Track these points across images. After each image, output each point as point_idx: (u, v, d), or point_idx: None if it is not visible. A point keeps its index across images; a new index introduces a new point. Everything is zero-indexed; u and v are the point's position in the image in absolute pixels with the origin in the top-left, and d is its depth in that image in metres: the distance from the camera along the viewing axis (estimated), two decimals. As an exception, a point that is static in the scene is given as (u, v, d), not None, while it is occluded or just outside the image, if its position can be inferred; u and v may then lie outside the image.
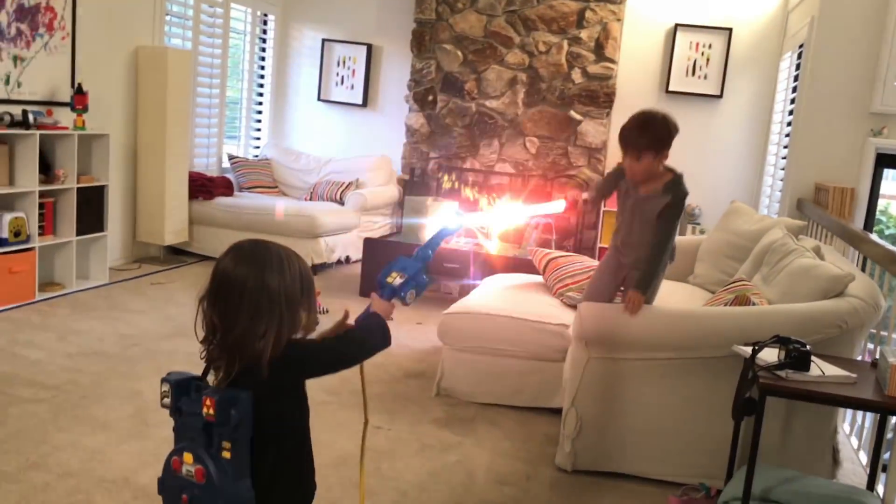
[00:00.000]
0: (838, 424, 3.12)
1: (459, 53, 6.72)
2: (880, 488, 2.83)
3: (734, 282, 3.38)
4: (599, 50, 6.44)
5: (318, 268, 5.96)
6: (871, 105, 4.79)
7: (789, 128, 5.32)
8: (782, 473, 2.67)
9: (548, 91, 6.59)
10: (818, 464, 2.91)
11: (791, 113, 5.38)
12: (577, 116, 6.54)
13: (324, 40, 7.18)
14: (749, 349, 2.64)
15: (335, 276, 6.02)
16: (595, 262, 4.10)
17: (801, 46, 5.29)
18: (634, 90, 6.49)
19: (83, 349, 3.94)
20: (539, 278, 4.29)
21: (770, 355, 2.55)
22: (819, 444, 2.90)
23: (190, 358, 3.94)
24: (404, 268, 1.90)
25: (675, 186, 3.00)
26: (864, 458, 3.15)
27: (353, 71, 7.15)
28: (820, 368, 2.42)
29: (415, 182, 6.87)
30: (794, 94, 5.35)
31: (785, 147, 5.39)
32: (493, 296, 3.89)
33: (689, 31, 6.35)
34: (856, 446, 3.30)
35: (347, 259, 6.33)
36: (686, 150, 6.33)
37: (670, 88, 6.39)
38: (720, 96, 6.29)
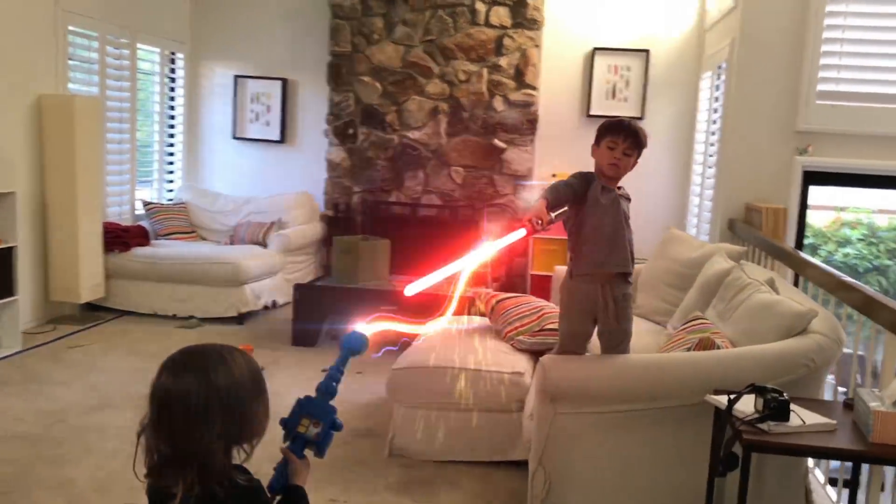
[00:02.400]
0: (808, 464, 3.08)
1: (378, 85, 6.56)
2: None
3: (691, 320, 3.31)
4: (520, 77, 6.39)
5: (246, 317, 5.68)
6: (796, 124, 4.85)
7: (713, 147, 5.36)
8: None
9: (470, 120, 6.49)
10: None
11: (714, 133, 5.42)
12: (501, 144, 6.47)
13: (236, 76, 6.91)
14: (722, 399, 2.56)
15: (263, 324, 5.74)
16: (542, 301, 3.99)
17: (720, 66, 5.35)
18: (557, 116, 6.46)
19: (0, 433, 3.59)
20: (481, 320, 4.15)
21: (745, 404, 2.47)
22: (792, 487, 2.84)
23: (121, 433, 3.69)
24: (314, 411, 1.69)
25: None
26: (832, 493, 3.11)
27: (269, 107, 6.90)
28: (800, 417, 2.35)
29: (339, 218, 6.66)
30: (716, 114, 5.40)
31: (711, 168, 5.42)
32: (440, 345, 3.73)
33: (607, 55, 6.36)
34: (822, 480, 3.27)
35: (274, 304, 6.06)
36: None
37: (592, 112, 6.38)
38: (641, 118, 6.32)
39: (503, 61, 6.39)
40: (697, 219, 5.75)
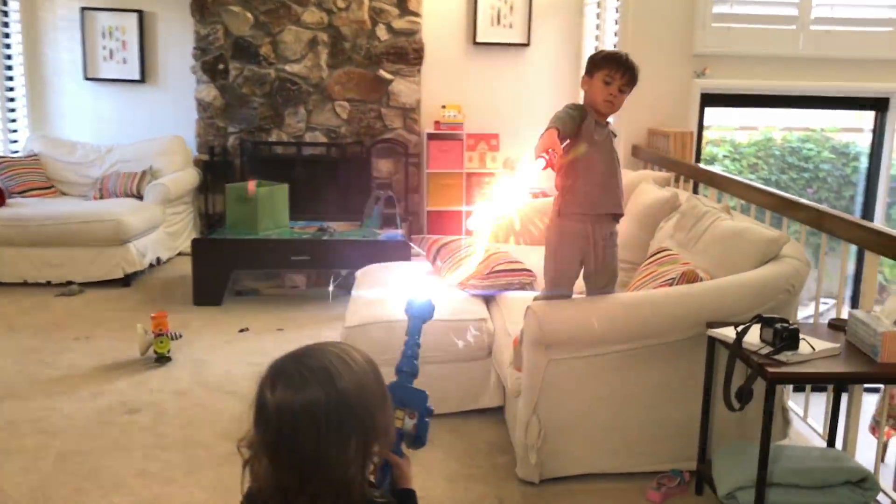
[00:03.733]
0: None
1: (249, 15, 6.05)
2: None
3: (656, 252, 3.30)
4: (403, 4, 6.09)
5: (132, 278, 5.18)
6: (693, 47, 4.93)
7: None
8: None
9: (353, 51, 6.15)
10: (774, 427, 2.94)
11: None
12: (388, 76, 6.19)
13: (83, 9, 6.12)
14: (726, 332, 2.57)
15: (154, 284, 5.26)
16: (490, 243, 3.86)
17: (612, -9, 5.32)
18: (443, 44, 6.24)
19: None
20: (418, 264, 4.00)
21: (749, 336, 2.49)
22: (775, 412, 2.93)
23: (40, 426, 3.24)
24: (407, 399, 1.52)
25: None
26: (797, 408, 3.24)
27: (124, 43, 6.20)
28: (809, 344, 2.40)
29: (216, 163, 6.17)
30: (613, 39, 5.39)
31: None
32: (388, 295, 3.54)
33: (490, -21, 6.16)
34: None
35: (158, 261, 5.57)
36: (502, 102, 6.27)
37: (478, 40, 6.21)
38: (527, 44, 6.23)
39: (384, -13, 6.06)
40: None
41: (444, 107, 6.17)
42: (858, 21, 4.88)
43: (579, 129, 2.69)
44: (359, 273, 4.03)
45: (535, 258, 3.70)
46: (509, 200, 2.02)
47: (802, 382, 2.48)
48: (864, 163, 7.37)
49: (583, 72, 2.84)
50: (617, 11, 5.26)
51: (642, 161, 4.98)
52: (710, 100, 5.03)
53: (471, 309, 3.41)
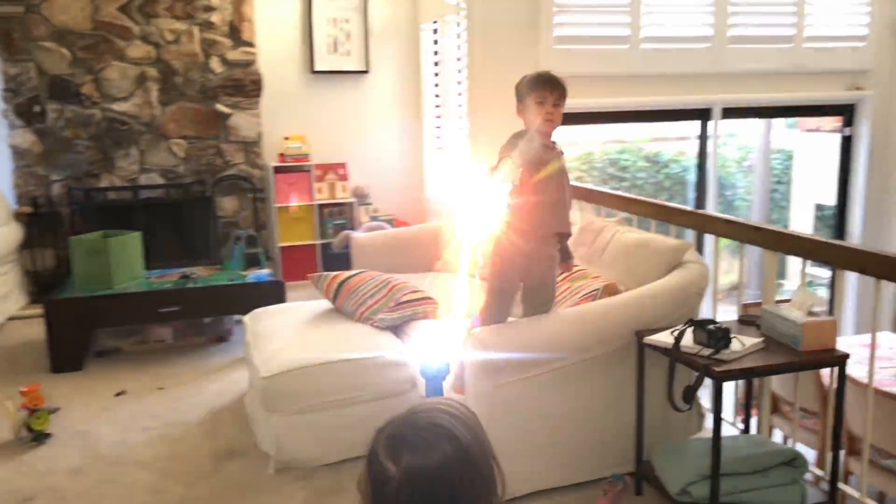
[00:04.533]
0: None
1: (65, 51, 5.60)
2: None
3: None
4: (235, 34, 5.90)
5: (-35, 350, 4.60)
6: (539, 69, 5.14)
7: (461, 97, 5.48)
8: (695, 445, 2.84)
9: (186, 85, 5.86)
10: (691, 422, 3.15)
11: (460, 82, 5.55)
12: (225, 110, 5.95)
13: None
14: (660, 338, 2.72)
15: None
16: (384, 274, 3.81)
17: (459, 13, 5.46)
18: (281, 75, 6.10)
19: None
20: (312, 305, 3.88)
21: (683, 340, 2.66)
22: (692, 406, 3.12)
23: None
24: None
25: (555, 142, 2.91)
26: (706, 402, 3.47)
27: (-81, 87, 5.51)
28: (740, 342, 2.59)
29: (41, 214, 5.64)
30: (460, 63, 5.52)
31: (461, 119, 5.56)
32: (301, 339, 3.41)
33: (325, 6, 6.11)
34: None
35: (-12, 328, 4.99)
36: (346, 130, 6.23)
37: (316, 68, 6.13)
38: (367, 71, 6.24)
39: (215, 17, 5.82)
40: (445, 173, 5.87)
41: (287, 138, 6.04)
42: (681, 39, 5.34)
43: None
44: (247, 318, 3.84)
45: (423, 284, 3.74)
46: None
47: (745, 377, 2.68)
48: (674, 169, 8.06)
49: (515, 99, 2.90)
50: (458, 37, 5.40)
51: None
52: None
53: (386, 343, 3.36)
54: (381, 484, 1.16)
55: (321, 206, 6.06)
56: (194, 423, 3.63)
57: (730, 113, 5.51)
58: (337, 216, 6.14)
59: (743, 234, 3.11)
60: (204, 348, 4.63)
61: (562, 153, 2.91)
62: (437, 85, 6.00)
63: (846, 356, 2.56)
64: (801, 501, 2.59)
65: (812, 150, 7.48)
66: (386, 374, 3.23)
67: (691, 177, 7.30)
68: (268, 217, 6.08)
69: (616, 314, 2.89)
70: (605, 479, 2.93)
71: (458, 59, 5.49)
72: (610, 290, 3.00)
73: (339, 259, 5.97)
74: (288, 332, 3.50)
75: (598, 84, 5.25)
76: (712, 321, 2.63)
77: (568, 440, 2.90)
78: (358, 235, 4.59)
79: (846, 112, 5.76)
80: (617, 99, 5.34)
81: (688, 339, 2.64)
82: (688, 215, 3.48)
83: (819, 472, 2.96)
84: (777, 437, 3.79)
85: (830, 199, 6.36)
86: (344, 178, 6.14)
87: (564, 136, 6.85)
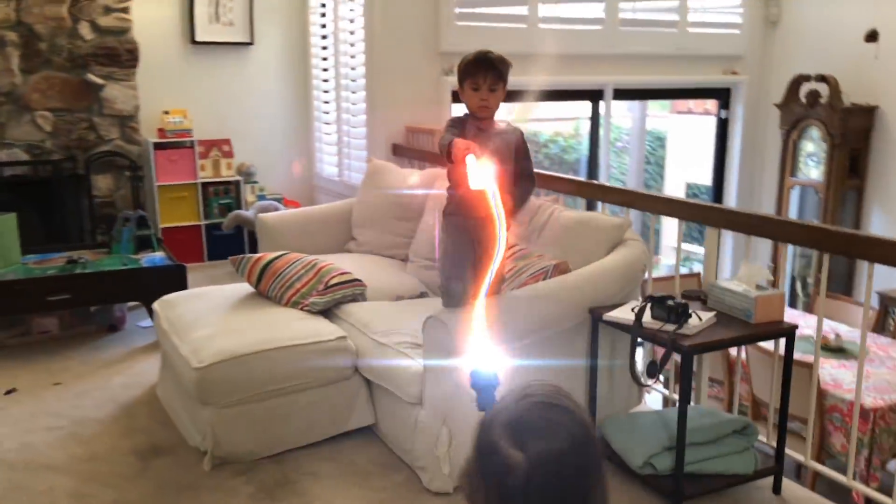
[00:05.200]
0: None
1: None
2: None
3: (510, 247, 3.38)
4: (108, -2, 5.43)
5: None
6: (440, 45, 5.09)
7: (354, 72, 5.31)
8: (647, 418, 2.91)
9: (52, 52, 5.33)
10: (632, 396, 3.22)
11: (353, 56, 5.38)
12: (98, 80, 5.47)
13: None
14: (619, 315, 2.76)
15: None
16: (308, 256, 3.64)
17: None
18: (159, 44, 5.67)
19: None
20: (230, 288, 3.66)
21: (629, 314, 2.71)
22: (628, 377, 3.19)
23: None
24: None
25: (507, 120, 2.87)
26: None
27: None
28: (697, 316, 2.66)
29: None
30: (353, 37, 5.36)
31: (355, 93, 5.40)
32: (229, 326, 3.19)
33: (204, -27, 5.75)
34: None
35: None
36: (230, 105, 5.92)
37: (197, 39, 5.76)
38: (252, 43, 5.93)
39: (84, -21, 5.34)
40: (337, 147, 5.70)
41: (166, 112, 5.65)
42: (577, 20, 5.43)
43: (462, 131, 2.71)
44: (158, 306, 3.57)
45: (348, 266, 3.62)
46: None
47: (711, 350, 2.75)
48: (552, 149, 8.24)
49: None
50: (352, 11, 5.24)
51: (407, 159, 5.03)
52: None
53: (321, 328, 3.21)
54: (504, 475, 1.07)
55: (205, 185, 5.73)
56: (105, 420, 3.33)
57: (621, 94, 5.68)
58: (222, 195, 5.82)
59: (682, 211, 3.20)
60: (95, 339, 4.27)
61: (505, 133, 2.83)
62: (325, 59, 5.80)
63: (795, 327, 2.69)
64: (755, 467, 2.71)
65: (684, 132, 7.87)
66: (326, 361, 3.09)
67: (569, 157, 7.48)
68: (147, 197, 5.67)
69: (571, 292, 2.90)
70: (558, 456, 2.94)
71: (352, 33, 5.32)
72: (561, 269, 3.01)
73: (226, 240, 5.71)
74: (213, 319, 3.27)
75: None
76: (670, 297, 2.68)
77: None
78: (266, 216, 4.37)
79: (723, 95, 6.09)
80: (515, 78, 5.35)
81: (645, 316, 2.68)
82: (619, 193, 3.55)
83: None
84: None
85: (701, 179, 6.71)
86: (229, 154, 5.82)
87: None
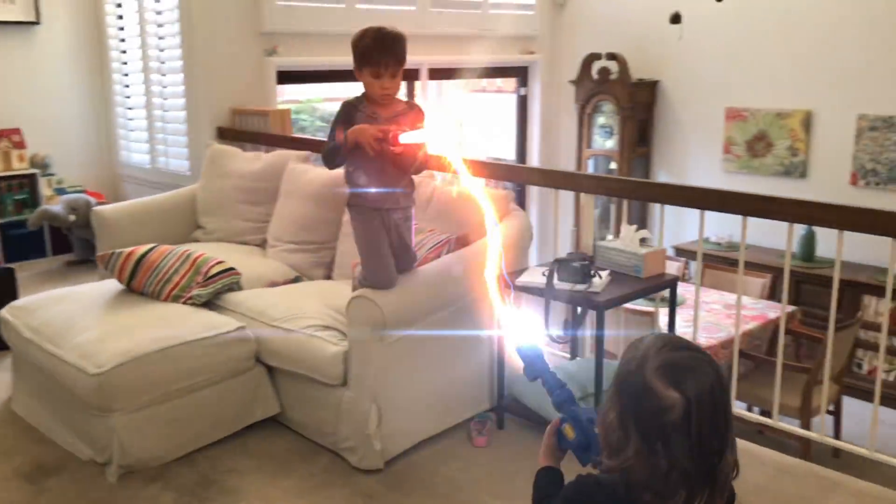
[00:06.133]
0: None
1: None
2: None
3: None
4: None
5: None
6: (262, 25, 4.95)
7: (168, 53, 5.01)
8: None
9: None
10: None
11: (162, 38, 5.07)
12: None
13: None
14: (529, 279, 2.95)
15: None
16: (178, 247, 3.44)
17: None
18: (-75, 22, 4.98)
19: None
20: (89, 287, 3.37)
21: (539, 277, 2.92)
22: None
23: None
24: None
25: (407, 99, 2.87)
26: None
27: None
28: (599, 276, 2.92)
29: None
30: (161, 17, 5.05)
31: (167, 75, 5.09)
32: (115, 327, 2.96)
33: (-28, -58, 5.11)
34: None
35: None
36: (17, 91, 5.35)
37: (-27, 16, 5.12)
38: (38, 22, 5.37)
39: None
40: (148, 133, 5.35)
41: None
42: (393, 0, 5.52)
43: (351, 123, 2.69)
44: (8, 314, 3.22)
45: (221, 254, 3.50)
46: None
47: (619, 304, 2.98)
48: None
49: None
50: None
51: (234, 142, 4.85)
52: (287, 77, 5.15)
53: (217, 321, 3.08)
54: (661, 414, 1.19)
55: (-4, 180, 5.14)
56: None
57: (435, 74, 5.86)
58: (17, 190, 5.26)
59: (554, 181, 3.45)
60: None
61: (400, 115, 2.76)
62: (123, 40, 5.41)
63: (677, 278, 3.04)
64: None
65: (482, 110, 8.24)
66: (229, 353, 2.98)
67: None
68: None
69: (479, 262, 3.02)
70: (471, 420, 3.09)
71: (159, 13, 5.01)
72: (462, 241, 3.13)
73: (29, 239, 5.19)
74: (91, 322, 3.01)
75: (317, 42, 5.21)
76: (575, 259, 2.90)
77: (440, 389, 3.00)
78: (103, 208, 4.04)
79: (521, 74, 6.49)
80: (334, 58, 5.33)
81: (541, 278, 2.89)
82: (493, 167, 3.73)
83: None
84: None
85: (501, 153, 7.10)
86: (20, 145, 5.26)
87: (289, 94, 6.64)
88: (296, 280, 3.67)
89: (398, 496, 2.67)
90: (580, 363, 3.24)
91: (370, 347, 2.73)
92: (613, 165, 6.14)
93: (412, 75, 5.80)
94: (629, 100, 5.98)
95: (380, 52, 2.68)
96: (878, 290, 4.86)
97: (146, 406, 2.78)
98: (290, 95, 7.48)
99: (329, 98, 8.05)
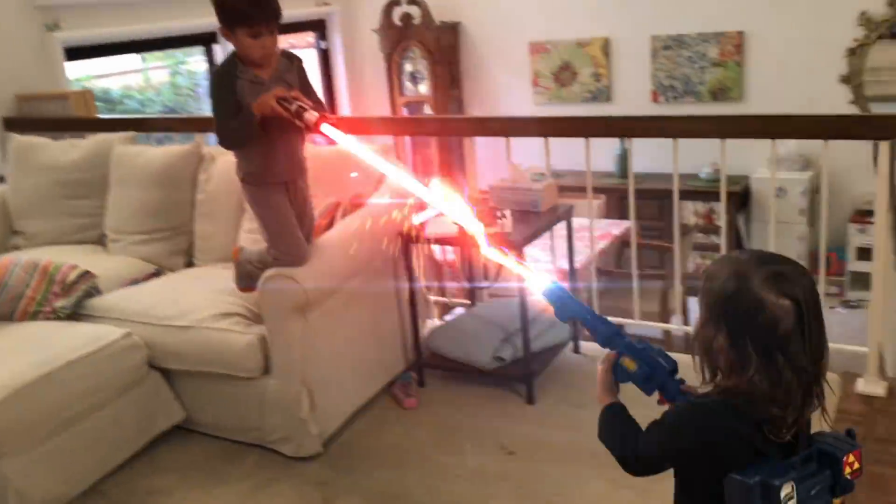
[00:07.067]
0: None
1: None
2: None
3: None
4: None
5: None
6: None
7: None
8: (464, 320, 3.10)
9: None
10: (429, 308, 3.35)
11: None
12: None
13: None
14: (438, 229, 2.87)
15: None
16: (10, 256, 2.95)
17: None
18: None
19: None
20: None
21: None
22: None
23: None
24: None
25: (284, 51, 2.55)
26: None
27: None
28: (504, 217, 2.89)
29: None
30: None
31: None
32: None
33: None
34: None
35: None
36: None
37: None
38: None
39: None
40: None
41: None
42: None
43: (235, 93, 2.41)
44: None
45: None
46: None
47: (533, 240, 2.94)
48: (130, 104, 7.61)
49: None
50: None
51: (34, 132, 4.24)
52: (76, 53, 4.58)
53: (96, 332, 2.70)
54: (778, 324, 1.18)
55: None
56: None
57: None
58: None
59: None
60: None
61: (283, 73, 2.51)
62: None
63: (572, 206, 3.08)
64: (570, 335, 3.09)
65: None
66: (119, 365, 2.64)
67: (151, 109, 7.09)
68: None
69: (381, 223, 2.88)
70: (393, 384, 2.98)
71: None
72: (356, 203, 2.95)
73: None
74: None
75: (106, 12, 4.68)
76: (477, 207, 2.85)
77: (362, 357, 2.86)
78: None
79: (319, 27, 6.23)
80: (116, 29, 4.80)
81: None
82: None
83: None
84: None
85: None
86: None
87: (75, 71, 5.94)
88: (157, 273, 3.31)
89: (352, 475, 2.53)
90: (493, 306, 3.22)
91: (293, 329, 2.52)
92: (429, 111, 6.12)
93: (209, 39, 5.39)
94: (436, 44, 5.95)
95: (256, 7, 2.37)
96: (690, 195, 5.24)
97: (38, 443, 2.40)
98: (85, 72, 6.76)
99: (99, 76, 7.34)
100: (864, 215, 4.69)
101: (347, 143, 2.15)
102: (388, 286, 2.98)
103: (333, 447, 2.67)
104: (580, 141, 3.11)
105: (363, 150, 2.11)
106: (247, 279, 2.70)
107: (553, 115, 5.44)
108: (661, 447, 1.29)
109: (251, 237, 3.04)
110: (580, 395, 2.84)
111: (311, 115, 2.25)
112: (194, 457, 2.70)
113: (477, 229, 1.63)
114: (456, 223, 1.84)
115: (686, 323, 3.81)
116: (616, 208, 5.10)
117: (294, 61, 2.57)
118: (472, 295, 3.36)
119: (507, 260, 1.61)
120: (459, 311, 3.48)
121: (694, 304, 4.73)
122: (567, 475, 2.39)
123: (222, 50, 5.43)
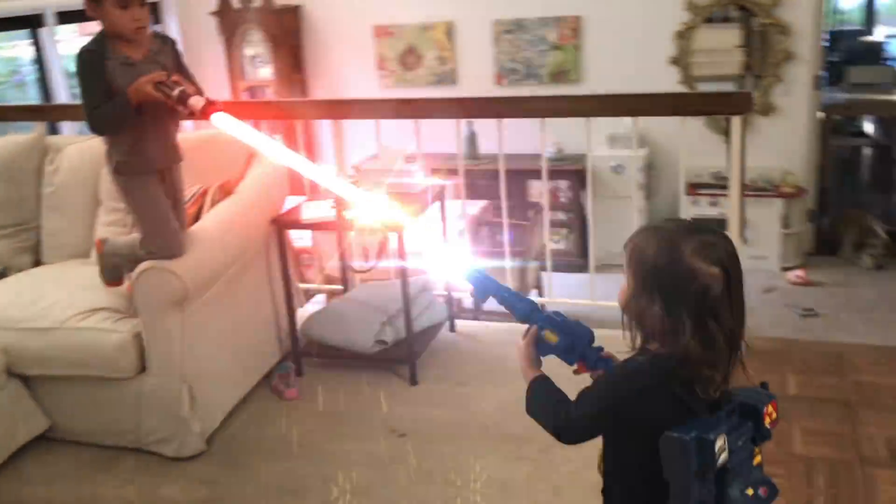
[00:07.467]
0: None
1: None
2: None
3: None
4: None
5: None
6: None
7: None
8: (337, 307, 3.09)
9: None
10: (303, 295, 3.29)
11: None
12: None
13: None
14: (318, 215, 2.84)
15: None
16: None
17: None
18: None
19: None
20: None
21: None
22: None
23: None
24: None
25: (157, 33, 2.42)
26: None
27: None
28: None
29: None
30: None
31: None
32: None
33: None
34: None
35: None
36: None
37: None
38: None
39: None
40: None
41: None
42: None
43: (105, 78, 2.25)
44: None
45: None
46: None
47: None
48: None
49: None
50: None
51: None
52: None
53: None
54: (709, 291, 1.24)
55: None
56: None
57: (67, 17, 5.09)
58: None
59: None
60: None
61: (157, 54, 2.36)
62: None
63: (444, 186, 3.13)
64: (447, 315, 3.14)
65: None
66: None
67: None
68: None
69: (264, 207, 2.82)
70: (271, 376, 2.92)
71: None
72: (226, 190, 2.84)
73: None
74: None
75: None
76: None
77: (238, 348, 2.78)
78: None
79: (152, 9, 5.90)
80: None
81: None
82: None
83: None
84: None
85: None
86: None
87: None
88: (3, 274, 3.05)
89: (242, 471, 2.46)
90: (370, 289, 3.21)
91: (171, 324, 2.42)
92: (271, 95, 5.97)
93: (35, 22, 4.99)
94: (277, 27, 5.80)
95: None
96: (535, 174, 5.42)
97: None
98: None
99: None
100: (695, 188, 5.05)
101: (239, 128, 2.07)
102: (262, 274, 2.90)
103: (217, 443, 2.59)
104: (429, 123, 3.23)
105: (256, 137, 2.05)
106: (114, 272, 2.56)
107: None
108: (596, 412, 1.31)
109: (112, 230, 2.88)
110: (461, 373, 2.91)
111: (197, 101, 2.15)
112: (64, 467, 2.53)
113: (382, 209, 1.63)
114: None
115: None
116: (468, 188, 5.20)
117: (168, 42, 2.45)
118: (345, 280, 3.34)
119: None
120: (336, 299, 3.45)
121: (546, 279, 4.89)
122: (461, 452, 2.44)
123: (48, 34, 5.06)
